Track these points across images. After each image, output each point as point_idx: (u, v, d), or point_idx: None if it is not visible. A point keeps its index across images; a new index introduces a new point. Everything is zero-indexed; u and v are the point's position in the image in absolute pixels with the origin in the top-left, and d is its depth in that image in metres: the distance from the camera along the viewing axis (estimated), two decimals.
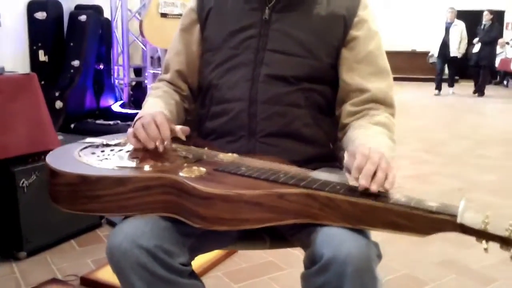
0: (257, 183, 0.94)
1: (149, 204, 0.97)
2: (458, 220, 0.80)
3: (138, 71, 4.28)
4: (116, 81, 4.06)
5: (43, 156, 2.23)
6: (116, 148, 1.14)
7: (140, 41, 3.98)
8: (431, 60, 10.06)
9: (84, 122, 3.52)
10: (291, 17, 1.23)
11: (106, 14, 3.86)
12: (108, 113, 3.79)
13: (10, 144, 2.06)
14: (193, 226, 0.92)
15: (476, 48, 10.06)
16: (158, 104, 1.26)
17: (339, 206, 0.89)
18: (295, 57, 1.21)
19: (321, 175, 0.98)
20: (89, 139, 1.23)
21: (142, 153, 1.08)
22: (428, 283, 2.00)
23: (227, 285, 1.97)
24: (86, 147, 1.17)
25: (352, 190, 0.89)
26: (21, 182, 2.14)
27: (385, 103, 1.21)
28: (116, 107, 3.88)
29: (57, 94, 3.37)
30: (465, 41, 9.65)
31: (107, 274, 1.88)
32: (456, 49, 9.51)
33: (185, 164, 1.03)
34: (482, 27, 10.14)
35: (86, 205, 0.98)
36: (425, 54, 10.39)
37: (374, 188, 0.87)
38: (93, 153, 1.10)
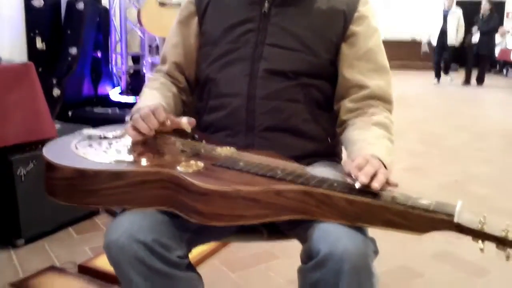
0: (255, 179, 0.94)
1: (147, 198, 0.97)
2: (455, 219, 0.81)
3: (136, 59, 4.26)
4: (114, 68, 4.04)
5: (41, 145, 2.23)
6: (114, 141, 1.14)
7: (138, 29, 3.95)
8: (423, 50, 10.04)
9: (82, 110, 3.51)
10: (291, 12, 1.22)
11: (104, 2, 3.82)
12: (106, 101, 3.78)
13: (7, 133, 2.05)
14: (190, 221, 0.93)
15: (475, 38, 10.01)
16: (155, 96, 1.25)
17: (336, 203, 0.89)
18: (294, 52, 1.20)
19: (319, 171, 0.98)
20: (86, 131, 1.22)
21: (140, 146, 1.08)
22: (423, 274, 2.02)
23: (224, 273, 1.98)
24: (83, 139, 1.17)
25: (349, 188, 0.89)
26: (19, 170, 2.14)
27: (383, 99, 1.21)
28: (114, 95, 3.87)
29: (54, 81, 3.35)
30: (462, 29, 9.58)
31: (104, 262, 1.87)
32: (454, 37, 9.46)
33: (183, 158, 1.03)
34: (481, 16, 10.09)
35: (83, 198, 0.98)
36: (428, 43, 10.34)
37: (376, 185, 0.87)
38: (90, 146, 1.10)
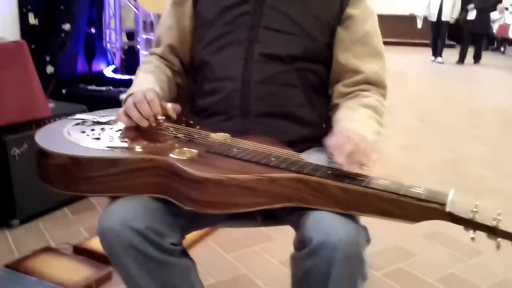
0: (249, 167, 0.93)
1: (141, 186, 0.97)
2: (447, 208, 0.81)
3: (131, 35, 4.20)
4: (108, 45, 3.99)
5: (34, 125, 2.22)
6: (107, 127, 1.13)
7: (132, 4, 3.89)
8: (419, 25, 9.95)
9: (76, 87, 3.48)
10: None
11: None
12: (100, 78, 3.74)
13: (1, 112, 2.03)
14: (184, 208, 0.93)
15: (470, 15, 9.90)
16: (149, 80, 1.24)
17: (330, 191, 0.89)
18: (289, 35, 1.19)
19: (313, 158, 0.98)
20: (79, 116, 1.21)
21: (133, 132, 1.07)
22: (416, 254, 2.04)
23: (219, 254, 2.00)
24: (76, 124, 1.16)
25: (343, 176, 0.89)
26: (13, 150, 2.13)
27: (377, 84, 1.21)
28: (108, 72, 3.83)
29: (48, 58, 3.31)
30: (458, 4, 9.48)
31: (99, 243, 1.90)
32: (449, 14, 9.36)
33: (177, 145, 1.03)
34: None
35: (77, 186, 0.98)
36: (424, 18, 10.23)
37: (352, 167, 0.88)
38: (83, 132, 1.09)
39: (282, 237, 2.09)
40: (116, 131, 1.10)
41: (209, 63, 1.24)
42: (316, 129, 1.24)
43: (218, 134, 1.11)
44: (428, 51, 10.15)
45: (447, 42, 10.37)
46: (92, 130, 1.11)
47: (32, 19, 3.26)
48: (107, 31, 3.95)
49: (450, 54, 10.05)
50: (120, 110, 1.09)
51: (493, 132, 4.35)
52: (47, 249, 1.94)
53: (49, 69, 3.33)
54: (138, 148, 1.00)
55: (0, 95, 2.03)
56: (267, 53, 1.18)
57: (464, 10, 9.89)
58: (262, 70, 1.18)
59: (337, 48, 1.22)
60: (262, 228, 2.17)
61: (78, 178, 0.97)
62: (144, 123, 1.06)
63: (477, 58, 9.83)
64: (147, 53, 3.60)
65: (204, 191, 0.89)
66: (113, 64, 3.96)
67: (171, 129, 1.12)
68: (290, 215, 1.04)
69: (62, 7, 3.36)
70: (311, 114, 1.22)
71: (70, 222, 2.26)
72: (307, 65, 1.20)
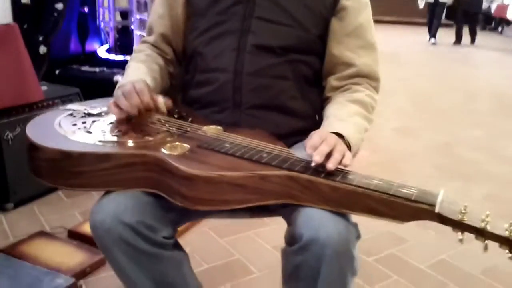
0: (240, 163, 0.93)
1: (132, 180, 0.97)
2: (437, 209, 0.81)
3: (125, 14, 4.14)
4: (102, 24, 3.94)
5: (27, 108, 2.21)
6: (98, 119, 1.12)
7: None
8: (421, 6, 9.83)
9: (69, 68, 3.45)
10: None
11: None
12: (94, 59, 3.70)
13: None
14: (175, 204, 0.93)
15: None
16: (140, 70, 1.23)
17: (320, 189, 0.89)
18: (282, 26, 1.18)
19: (305, 154, 0.98)
20: (70, 106, 1.20)
21: (125, 125, 1.07)
22: (408, 240, 2.07)
23: (212, 239, 2.02)
24: (67, 115, 1.15)
25: (334, 174, 0.89)
26: (6, 134, 2.12)
27: (369, 77, 1.21)
28: (101, 52, 3.79)
29: (40, 38, 3.25)
30: None
31: None
32: None
33: (168, 139, 1.02)
34: None
35: (68, 180, 0.98)
36: None
37: (330, 166, 0.89)
38: (74, 124, 1.08)
39: (276, 223, 2.10)
40: (108, 124, 1.09)
41: (202, 53, 1.23)
42: (309, 121, 1.23)
43: (210, 127, 1.11)
44: (425, 30, 10.07)
45: (446, 21, 10.26)
46: (84, 122, 1.10)
47: None
48: (101, 10, 3.89)
49: (449, 35, 9.98)
50: (110, 101, 1.08)
51: (488, 116, 4.36)
52: (42, 234, 1.95)
53: (42, 49, 3.28)
54: (129, 143, 1.00)
55: None
56: (260, 44, 1.17)
57: None
58: (254, 62, 1.17)
59: (330, 40, 1.21)
60: None
61: (69, 173, 0.97)
62: (134, 111, 1.04)
63: (472, 37, 9.73)
64: (140, 33, 3.55)
65: (194, 188, 0.90)
66: (107, 43, 3.92)
67: (163, 121, 1.11)
68: (281, 210, 1.05)
69: None
70: (304, 106, 1.22)
71: (65, 205, 2.26)
72: (300, 56, 1.20)
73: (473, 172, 2.93)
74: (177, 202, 0.92)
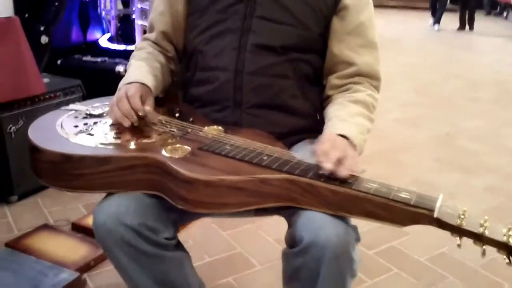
0: (240, 166, 0.94)
1: (134, 182, 0.98)
2: (435, 214, 0.82)
3: (126, 2, 4.12)
4: (103, 12, 3.92)
5: (29, 101, 2.21)
6: (99, 121, 1.13)
7: None
8: None
9: (71, 58, 3.44)
10: None
11: None
12: (95, 48, 3.69)
13: None
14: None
15: None
16: (142, 68, 1.23)
17: (320, 192, 0.90)
18: (283, 25, 1.17)
19: (303, 155, 0.99)
20: (72, 106, 1.21)
21: (126, 127, 1.07)
22: (408, 233, 2.07)
23: (215, 232, 2.03)
24: (69, 116, 1.15)
25: (334, 178, 0.90)
26: (9, 128, 2.13)
27: (370, 76, 1.21)
28: (103, 41, 3.78)
29: (42, 28, 3.25)
30: None
31: None
32: None
33: (169, 141, 1.03)
34: None
35: (69, 182, 0.99)
36: None
37: (344, 173, 0.89)
38: (76, 126, 1.09)
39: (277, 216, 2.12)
40: (109, 125, 1.10)
41: (202, 51, 1.23)
42: (309, 120, 1.24)
43: (211, 127, 1.12)
44: (428, 15, 9.97)
45: (450, 6, 10.15)
46: (85, 124, 1.11)
47: None
48: None
49: (453, 20, 9.88)
50: (109, 107, 1.10)
51: (490, 105, 4.34)
52: (46, 227, 1.97)
53: (44, 39, 3.27)
54: (130, 145, 1.00)
55: None
56: (261, 43, 1.17)
57: None
58: (255, 61, 1.17)
59: (331, 38, 1.21)
60: None
61: (70, 175, 0.98)
62: (126, 123, 1.06)
63: (470, 25, 9.58)
64: (142, 23, 3.54)
65: (194, 191, 0.91)
66: (108, 32, 3.90)
67: (165, 122, 1.12)
68: (283, 210, 1.06)
69: None
70: (304, 105, 1.22)
71: (69, 198, 2.27)
72: (301, 55, 1.19)
73: (473, 163, 2.93)
74: (178, 205, 0.93)
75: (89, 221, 1.98)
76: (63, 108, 1.21)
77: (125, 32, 3.85)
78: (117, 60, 3.33)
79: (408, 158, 2.98)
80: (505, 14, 12.11)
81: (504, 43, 8.47)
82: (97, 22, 3.83)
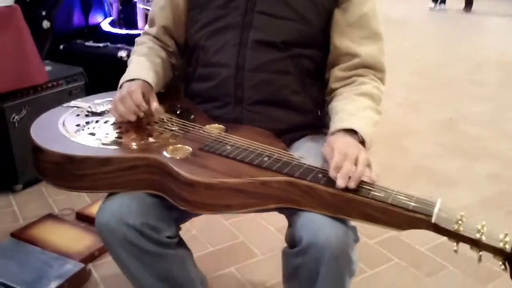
0: (241, 168, 0.95)
1: (135, 182, 0.99)
2: (433, 220, 0.83)
3: None
4: None
5: (32, 90, 2.21)
6: (101, 119, 1.13)
7: None
8: None
9: (73, 43, 3.43)
10: None
11: None
12: (97, 32, 3.67)
13: None
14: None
15: None
16: (143, 64, 1.23)
17: (320, 195, 0.91)
18: (284, 20, 1.16)
19: (305, 151, 0.99)
20: (74, 103, 1.21)
21: (128, 127, 1.08)
22: None
23: (218, 221, 2.05)
24: (71, 114, 1.16)
25: (333, 181, 0.91)
26: (12, 117, 2.14)
27: (374, 68, 1.20)
28: (105, 25, 3.75)
29: (43, 13, 3.24)
30: None
31: None
32: None
33: (171, 140, 1.04)
34: None
35: (72, 182, 1.00)
36: None
37: (352, 185, 0.89)
38: (78, 125, 1.10)
39: None
40: (111, 125, 1.10)
41: (204, 47, 1.22)
42: (310, 116, 1.24)
43: (212, 125, 1.12)
44: None
45: None
46: (87, 123, 1.11)
47: None
48: None
49: (458, 0, 9.75)
50: (112, 105, 1.10)
51: (494, 88, 4.31)
52: (50, 216, 1.99)
53: (45, 24, 3.25)
54: (132, 145, 1.01)
55: None
56: (262, 40, 1.16)
57: None
58: (256, 58, 1.17)
59: (333, 31, 1.20)
60: None
61: (72, 176, 0.99)
62: (132, 118, 1.09)
63: (468, 4, 9.40)
64: (144, 7, 3.51)
65: (196, 193, 0.92)
66: (110, 16, 3.88)
67: (166, 120, 1.12)
68: (283, 210, 1.07)
69: None
70: (305, 101, 1.22)
71: None
72: (302, 50, 1.19)
73: (476, 149, 2.93)
74: (180, 205, 0.94)
75: (93, 210, 2.00)
76: (65, 104, 1.22)
77: (127, 16, 3.82)
78: (119, 45, 3.31)
79: (411, 143, 2.99)
80: None
81: (509, 23, 8.35)
82: (98, 5, 3.80)
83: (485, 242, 0.79)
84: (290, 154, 1.00)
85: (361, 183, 0.90)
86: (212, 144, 1.03)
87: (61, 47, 3.36)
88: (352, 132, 1.04)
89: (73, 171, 0.98)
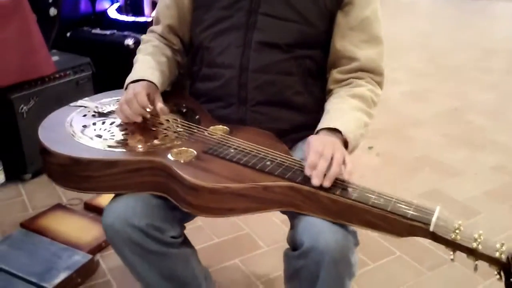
0: (244, 172, 0.97)
1: (140, 184, 1.02)
2: (431, 228, 0.85)
3: None
4: None
5: (39, 81, 2.24)
6: (108, 120, 1.15)
7: None
8: None
9: (80, 30, 3.43)
10: None
11: None
12: (104, 19, 3.67)
13: (3, 73, 2.04)
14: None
15: None
16: (148, 64, 1.25)
17: (320, 200, 0.93)
18: (288, 22, 1.17)
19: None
20: (81, 103, 1.23)
21: (133, 128, 1.10)
22: None
23: None
24: (78, 114, 1.18)
25: (334, 187, 0.93)
26: (20, 108, 2.17)
27: (373, 71, 1.21)
28: (112, 12, 3.75)
29: (50, 0, 3.24)
30: None
31: (109, 200, 1.98)
32: None
33: (176, 143, 1.06)
34: None
35: (78, 183, 1.03)
36: None
37: (327, 184, 0.92)
38: (84, 126, 1.12)
39: None
40: (117, 126, 1.12)
41: (208, 48, 1.24)
42: (313, 116, 1.24)
43: (216, 127, 1.14)
44: None
45: None
46: (94, 124, 1.13)
47: None
48: None
49: None
50: (118, 107, 1.12)
51: (502, 75, 4.28)
52: (59, 206, 2.03)
53: (52, 11, 3.25)
54: (137, 148, 1.03)
55: (3, 55, 2.02)
56: (265, 41, 1.17)
57: None
58: (259, 59, 1.18)
59: (335, 34, 1.20)
60: None
61: (79, 177, 1.02)
62: (138, 119, 1.11)
63: None
64: None
65: (200, 197, 0.94)
66: (117, 2, 3.87)
67: (171, 122, 1.14)
68: (285, 212, 1.09)
69: None
70: (308, 100, 1.23)
71: None
72: (305, 52, 1.20)
73: (482, 140, 2.93)
74: (183, 208, 0.97)
75: (100, 201, 2.04)
76: (72, 104, 1.24)
77: (134, 2, 3.82)
78: (126, 33, 3.32)
79: (416, 133, 2.99)
80: None
81: None
82: None
83: (481, 251, 0.80)
84: (292, 158, 1.02)
85: (363, 190, 0.92)
86: (216, 147, 1.05)
87: (68, 34, 3.37)
88: (336, 131, 1.06)
89: (79, 173, 1.01)
